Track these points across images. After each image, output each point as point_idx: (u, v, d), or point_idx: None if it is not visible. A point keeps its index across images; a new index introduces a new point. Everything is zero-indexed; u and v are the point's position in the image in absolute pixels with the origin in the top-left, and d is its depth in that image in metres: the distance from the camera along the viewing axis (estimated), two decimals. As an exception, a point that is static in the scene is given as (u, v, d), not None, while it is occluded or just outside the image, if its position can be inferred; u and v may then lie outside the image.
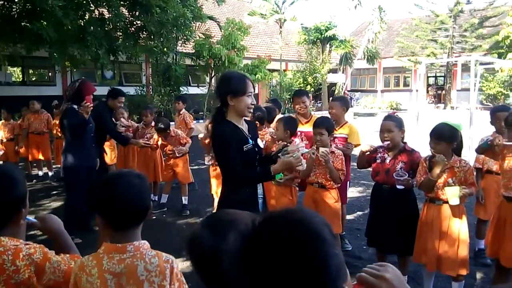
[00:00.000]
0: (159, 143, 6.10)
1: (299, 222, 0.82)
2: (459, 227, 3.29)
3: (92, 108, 4.81)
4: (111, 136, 5.99)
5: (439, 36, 24.76)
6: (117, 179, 1.57)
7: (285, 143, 3.79)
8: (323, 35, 23.58)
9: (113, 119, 5.96)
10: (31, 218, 1.70)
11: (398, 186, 3.49)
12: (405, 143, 3.69)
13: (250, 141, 2.71)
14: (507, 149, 3.23)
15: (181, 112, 7.41)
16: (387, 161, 3.62)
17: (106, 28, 10.15)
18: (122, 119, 6.11)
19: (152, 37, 10.81)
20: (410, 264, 3.78)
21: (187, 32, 12.09)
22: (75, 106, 4.80)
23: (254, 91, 2.73)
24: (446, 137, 3.22)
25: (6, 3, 9.42)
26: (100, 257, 1.51)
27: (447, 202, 3.25)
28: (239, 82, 2.64)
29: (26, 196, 1.60)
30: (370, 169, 3.87)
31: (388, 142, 3.56)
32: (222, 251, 1.14)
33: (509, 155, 3.23)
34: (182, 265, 4.25)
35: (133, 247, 1.51)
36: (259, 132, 4.66)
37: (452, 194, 3.16)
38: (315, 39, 23.91)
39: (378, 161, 3.69)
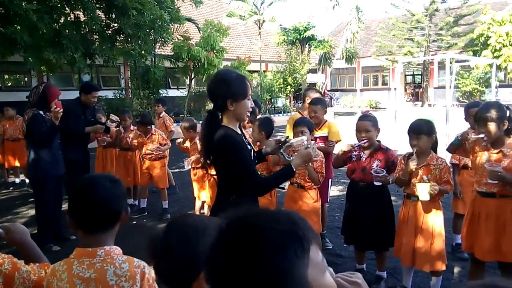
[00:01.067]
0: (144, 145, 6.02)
1: (290, 219, 0.82)
2: (434, 223, 3.36)
3: (61, 112, 4.56)
4: (72, 135, 5.21)
5: (416, 35, 25.21)
6: (88, 182, 1.57)
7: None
8: (302, 36, 23.74)
9: (93, 117, 5.66)
10: None
11: (375, 183, 3.55)
12: (379, 141, 3.76)
13: (248, 146, 2.53)
14: (478, 145, 3.31)
15: (161, 115, 7.36)
16: (363, 159, 3.68)
17: (82, 31, 10.02)
18: (112, 115, 5.95)
19: (129, 39, 10.71)
20: (389, 260, 3.84)
21: (165, 34, 12.02)
22: (42, 112, 4.61)
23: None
24: (425, 131, 3.31)
25: (-23, 7, 9.21)
26: (71, 262, 1.49)
27: None
28: (240, 85, 2.36)
29: None
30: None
31: (366, 141, 3.62)
32: (189, 255, 1.17)
33: (479, 152, 3.30)
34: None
35: (103, 251, 1.49)
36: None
37: (422, 190, 3.22)
38: (294, 40, 24.05)
39: (354, 159, 3.74)
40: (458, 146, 3.50)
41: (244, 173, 2.39)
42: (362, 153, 3.71)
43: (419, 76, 28.39)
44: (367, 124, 3.65)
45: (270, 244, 0.77)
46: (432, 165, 3.35)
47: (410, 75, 30.15)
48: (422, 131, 3.32)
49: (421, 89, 26.66)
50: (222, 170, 2.51)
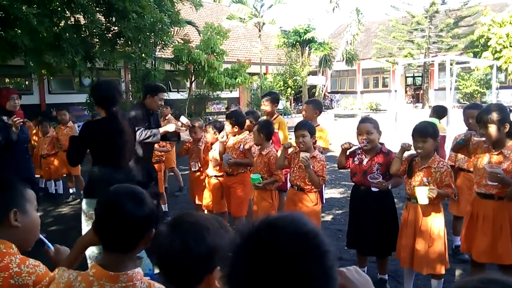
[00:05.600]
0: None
1: (308, 234, 0.85)
2: (433, 225, 3.34)
3: (22, 122, 4.42)
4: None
5: (416, 37, 25.18)
6: (110, 201, 1.50)
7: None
8: (302, 38, 23.75)
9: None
10: (47, 242, 1.79)
11: (372, 188, 3.54)
12: (382, 144, 3.74)
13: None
14: (479, 147, 3.31)
15: (167, 117, 7.30)
16: (364, 162, 3.67)
17: (82, 35, 10.00)
18: (182, 116, 5.12)
19: (129, 43, 10.69)
20: (390, 263, 3.83)
21: (165, 38, 11.99)
22: (5, 118, 4.39)
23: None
24: (431, 133, 3.32)
25: (-23, 11, 9.21)
26: (90, 281, 1.42)
27: None
28: None
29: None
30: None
31: (367, 143, 3.60)
32: (186, 253, 1.20)
33: (480, 153, 3.30)
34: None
35: (126, 277, 1.43)
36: (238, 136, 4.68)
37: (420, 194, 3.21)
38: (294, 42, 24.06)
39: (356, 162, 3.73)
40: (463, 146, 3.50)
41: None
42: (364, 156, 3.70)
43: (420, 78, 28.35)
44: (368, 126, 3.64)
45: (331, 249, 0.85)
46: (433, 167, 3.34)
47: (411, 77, 30.13)
48: (428, 134, 3.31)
49: (421, 91, 26.61)
50: None
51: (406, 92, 28.62)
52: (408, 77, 29.83)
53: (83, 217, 3.44)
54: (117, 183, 3.51)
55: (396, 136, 8.60)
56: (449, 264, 3.50)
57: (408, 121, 6.98)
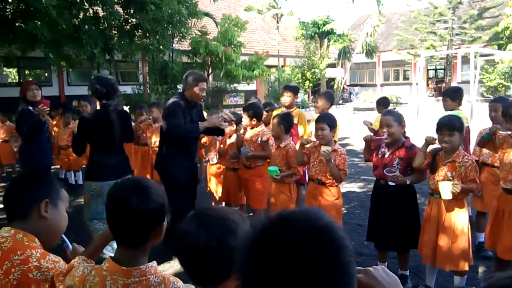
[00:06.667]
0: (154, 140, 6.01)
1: (322, 229, 0.81)
2: (457, 221, 3.25)
3: (47, 110, 4.75)
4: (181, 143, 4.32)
5: (438, 28, 24.64)
6: (116, 196, 1.47)
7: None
8: (321, 30, 23.51)
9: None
10: (67, 240, 1.82)
11: (389, 182, 3.45)
12: (407, 138, 3.63)
13: None
14: (506, 141, 3.21)
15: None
16: (386, 156, 3.57)
17: (100, 27, 10.09)
18: (224, 112, 4.63)
19: (147, 35, 10.75)
20: (412, 259, 3.74)
21: (183, 29, 12.00)
22: (30, 107, 4.77)
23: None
24: (457, 127, 3.24)
25: (-1, 3, 9.35)
26: (103, 276, 1.42)
27: None
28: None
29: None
30: (371, 164, 3.85)
31: (387, 136, 3.50)
32: (214, 248, 1.19)
33: (507, 148, 3.19)
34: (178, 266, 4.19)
35: (139, 272, 1.41)
36: (255, 128, 4.62)
37: (444, 188, 3.14)
38: (313, 34, 23.84)
39: (379, 155, 3.63)
40: (488, 141, 3.43)
41: None
42: (387, 149, 3.60)
43: (442, 71, 27.81)
44: (389, 119, 3.54)
45: (349, 244, 0.82)
46: (458, 162, 3.23)
47: (433, 69, 29.56)
48: (454, 127, 3.22)
49: (443, 84, 26.07)
50: None
51: (427, 85, 28.09)
52: (430, 69, 29.27)
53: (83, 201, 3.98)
54: (109, 168, 3.82)
55: (417, 129, 8.42)
56: (473, 260, 3.39)
57: (430, 115, 6.80)
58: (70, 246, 1.81)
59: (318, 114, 4.98)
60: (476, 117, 9.71)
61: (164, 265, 4.11)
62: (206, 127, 4.25)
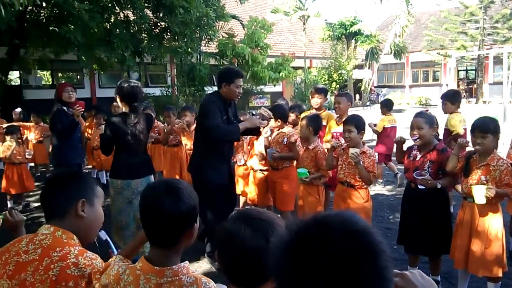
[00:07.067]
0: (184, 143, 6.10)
1: (359, 232, 0.81)
2: (491, 226, 3.18)
3: (82, 111, 4.90)
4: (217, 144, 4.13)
5: (469, 28, 23.99)
6: (149, 198, 1.50)
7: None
8: (348, 31, 23.29)
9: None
10: (112, 245, 1.89)
11: (419, 186, 3.39)
12: (440, 141, 3.57)
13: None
14: None
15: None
16: (417, 158, 3.52)
17: (131, 30, 10.28)
18: (263, 109, 4.47)
19: (176, 37, 10.88)
20: (444, 264, 3.67)
21: (210, 32, 12.10)
22: (65, 108, 4.96)
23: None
24: (491, 130, 3.17)
25: (34, 8, 9.65)
26: (137, 275, 1.45)
27: None
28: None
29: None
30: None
31: (416, 138, 3.46)
32: (262, 250, 1.17)
33: None
34: (208, 264, 4.24)
35: (171, 272, 1.43)
36: (281, 129, 4.63)
37: (478, 193, 3.08)
38: (339, 35, 23.63)
39: (411, 158, 3.58)
40: None
41: None
42: (418, 152, 3.55)
43: (473, 72, 27.07)
44: (419, 121, 3.48)
45: (386, 249, 0.81)
46: (492, 165, 3.16)
47: (463, 70, 28.80)
48: (488, 130, 3.15)
49: (475, 85, 25.38)
50: None
51: (458, 86, 27.36)
52: (461, 70, 28.52)
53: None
54: (132, 167, 4.01)
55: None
56: (507, 267, 3.31)
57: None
58: (115, 252, 1.85)
59: (339, 115, 5.00)
60: (510, 119, 9.43)
61: (193, 265, 4.16)
62: (247, 128, 4.09)
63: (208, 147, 4.07)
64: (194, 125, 5.94)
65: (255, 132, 4.38)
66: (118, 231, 4.08)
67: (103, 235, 1.94)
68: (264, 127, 4.35)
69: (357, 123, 3.75)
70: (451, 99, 5.23)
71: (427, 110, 3.78)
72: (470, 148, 3.34)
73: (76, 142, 5.20)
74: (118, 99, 4.06)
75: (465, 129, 4.95)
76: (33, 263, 1.51)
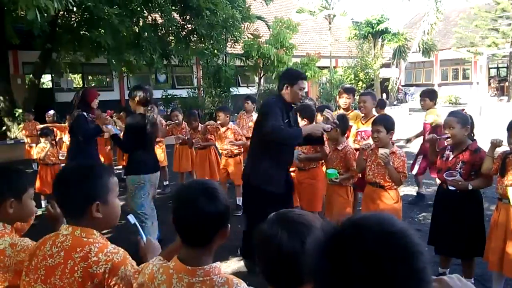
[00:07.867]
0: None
1: (396, 234, 0.81)
2: None
3: (108, 118, 4.90)
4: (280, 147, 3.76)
5: (501, 25, 23.27)
6: (182, 198, 1.51)
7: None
8: (374, 29, 22.95)
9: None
10: (141, 231, 1.89)
11: (449, 187, 3.31)
12: (474, 141, 3.48)
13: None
14: None
15: (251, 114, 7.02)
16: (450, 159, 3.45)
17: (159, 34, 10.49)
18: (327, 110, 4.08)
19: (202, 39, 11.03)
20: (477, 267, 3.58)
21: (236, 33, 12.19)
22: (85, 113, 4.97)
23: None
24: None
25: (65, 13, 9.95)
26: (170, 274, 1.47)
27: None
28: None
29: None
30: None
31: (447, 137, 3.39)
32: (299, 253, 1.17)
33: None
34: (237, 264, 4.27)
35: (203, 271, 1.45)
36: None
37: None
38: (366, 34, 23.30)
39: (443, 158, 3.52)
40: None
41: None
42: (451, 152, 3.48)
43: (505, 69, 26.24)
44: (451, 120, 3.41)
45: (424, 250, 0.81)
46: (529, 166, 3.06)
47: (494, 68, 27.95)
48: None
49: (506, 83, 24.61)
50: None
51: (489, 84, 26.60)
52: (492, 68, 27.69)
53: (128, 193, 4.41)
54: (150, 163, 4.33)
55: (480, 131, 8.02)
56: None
57: (493, 116, 6.48)
58: (144, 238, 1.86)
59: (364, 114, 4.95)
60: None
61: (222, 265, 4.20)
62: (309, 133, 3.75)
63: (264, 150, 3.73)
64: (228, 126, 6.02)
65: (318, 141, 4.09)
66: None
67: (132, 218, 1.94)
68: (328, 132, 3.91)
69: (386, 123, 3.70)
70: (430, 96, 5.68)
71: (463, 110, 3.67)
72: (505, 147, 3.25)
73: (93, 147, 5.17)
74: (134, 103, 4.43)
75: (440, 125, 4.87)
76: (59, 267, 1.55)
